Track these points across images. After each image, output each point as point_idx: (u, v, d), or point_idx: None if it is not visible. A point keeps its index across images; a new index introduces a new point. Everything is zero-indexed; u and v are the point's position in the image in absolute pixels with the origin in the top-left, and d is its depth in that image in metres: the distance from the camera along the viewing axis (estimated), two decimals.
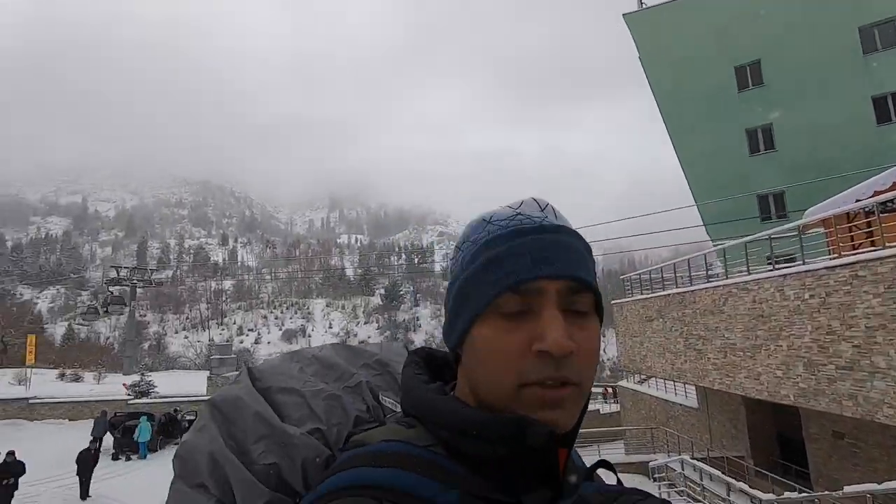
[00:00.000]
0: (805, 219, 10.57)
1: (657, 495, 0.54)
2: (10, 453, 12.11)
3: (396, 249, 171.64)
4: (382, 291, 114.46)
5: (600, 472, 0.59)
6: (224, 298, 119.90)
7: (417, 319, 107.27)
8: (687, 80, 23.87)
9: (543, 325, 0.47)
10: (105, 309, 36.70)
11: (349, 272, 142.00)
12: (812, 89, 21.13)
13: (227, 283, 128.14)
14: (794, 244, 9.93)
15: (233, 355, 31.53)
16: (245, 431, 0.56)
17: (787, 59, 21.77)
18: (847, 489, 6.55)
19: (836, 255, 9.14)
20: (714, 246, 21.69)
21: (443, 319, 0.55)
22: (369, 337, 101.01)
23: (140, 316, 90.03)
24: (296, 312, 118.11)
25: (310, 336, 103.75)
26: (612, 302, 17.83)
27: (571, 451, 0.52)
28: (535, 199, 0.54)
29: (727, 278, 10.26)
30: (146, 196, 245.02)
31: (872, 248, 6.96)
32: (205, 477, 0.55)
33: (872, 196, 9.26)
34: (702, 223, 24.18)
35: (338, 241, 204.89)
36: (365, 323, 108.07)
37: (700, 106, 23.48)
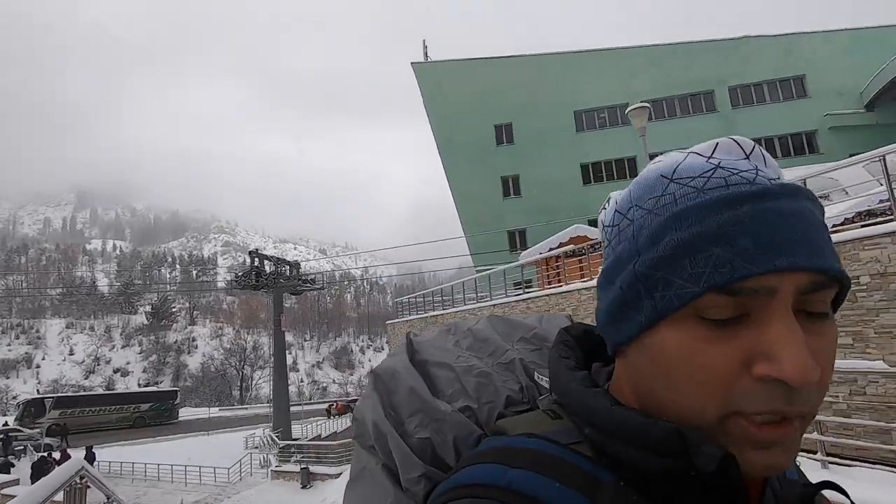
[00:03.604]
0: (521, 260, 14.20)
1: None
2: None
3: (169, 260, 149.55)
4: (149, 309, 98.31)
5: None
6: None
7: (194, 340, 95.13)
8: (459, 130, 28.33)
9: (775, 341, 0.34)
10: None
11: (103, 286, 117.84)
12: (545, 152, 27.54)
13: None
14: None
15: None
16: (401, 403, 0.55)
17: (529, 126, 27.93)
18: None
19: (539, 288, 12.69)
20: (477, 273, 26.17)
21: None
22: (128, 363, 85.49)
23: None
24: (17, 337, 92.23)
25: (38, 367, 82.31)
26: (387, 322, 20.10)
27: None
28: (735, 141, 0.41)
29: (465, 305, 13.19)
30: None
31: (550, 286, 10.30)
32: (373, 441, 0.56)
33: (558, 247, 13.18)
34: (469, 252, 28.83)
35: (87, 247, 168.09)
36: (123, 346, 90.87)
37: (468, 153, 28.16)
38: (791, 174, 14.74)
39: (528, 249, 14.49)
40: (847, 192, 10.38)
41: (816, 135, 25.01)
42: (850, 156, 22.60)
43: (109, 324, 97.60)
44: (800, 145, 25.30)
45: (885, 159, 5.01)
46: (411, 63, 29.86)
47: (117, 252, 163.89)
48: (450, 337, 0.67)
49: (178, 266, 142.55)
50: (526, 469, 0.39)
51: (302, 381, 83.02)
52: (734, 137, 0.41)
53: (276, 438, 24.16)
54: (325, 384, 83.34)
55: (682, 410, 0.37)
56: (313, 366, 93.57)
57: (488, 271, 14.43)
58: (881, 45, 23.87)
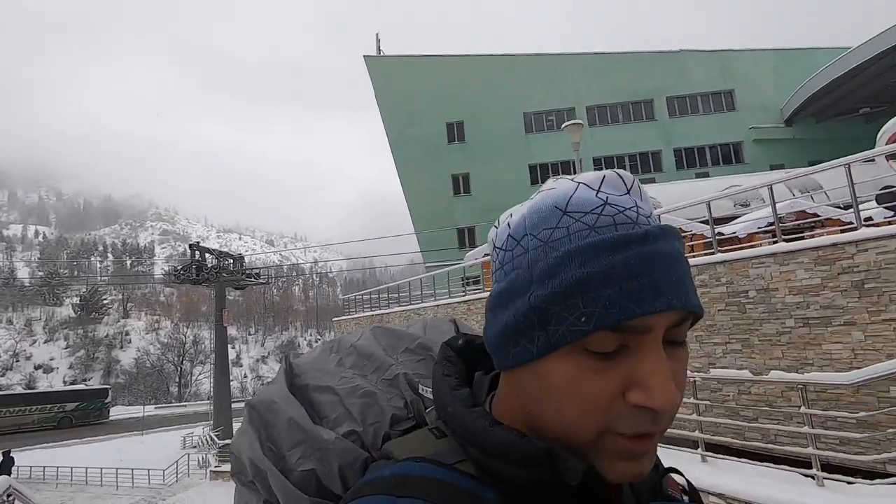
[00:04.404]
0: (466, 259, 14.57)
1: None
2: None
3: (101, 248, 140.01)
4: (76, 300, 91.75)
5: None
6: None
7: (127, 334, 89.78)
8: (411, 126, 28.36)
9: (646, 374, 0.39)
10: None
11: (23, 274, 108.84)
12: (495, 151, 28.11)
13: None
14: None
15: None
16: (281, 436, 0.54)
17: (480, 126, 28.40)
18: None
19: (485, 288, 13.08)
20: (426, 269, 26.39)
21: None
22: (52, 359, 79.65)
23: None
24: None
25: None
26: (333, 319, 20.03)
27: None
28: (619, 176, 0.44)
29: (410, 304, 13.43)
30: None
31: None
32: (251, 477, 0.55)
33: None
34: (420, 249, 29.01)
35: (5, 232, 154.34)
36: (46, 341, 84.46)
37: (420, 149, 28.27)
38: (723, 182, 15.98)
39: (474, 250, 14.91)
40: (764, 200, 11.39)
41: (742, 146, 27.00)
42: (771, 167, 24.60)
43: (30, 316, 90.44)
44: (727, 155, 27.21)
45: (772, 188, 5.70)
46: (364, 56, 29.54)
47: (40, 238, 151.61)
48: (332, 356, 0.66)
49: (110, 255, 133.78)
50: (413, 497, 0.40)
51: (245, 377, 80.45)
52: (618, 172, 0.45)
53: (214, 438, 23.49)
54: (270, 379, 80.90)
55: (564, 429, 0.41)
56: (258, 360, 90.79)
57: (434, 272, 14.69)
58: (802, 64, 26.04)
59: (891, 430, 4.03)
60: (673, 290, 0.39)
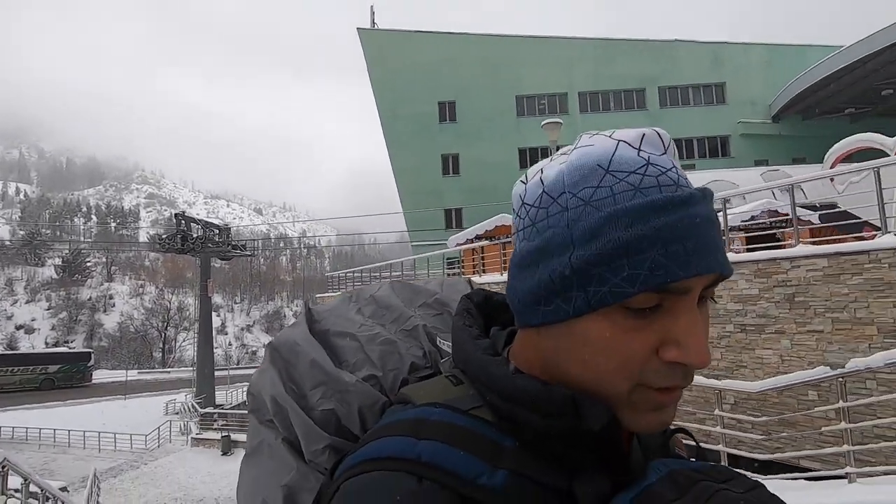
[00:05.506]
0: (449, 242, 14.81)
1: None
2: None
3: (84, 209, 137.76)
4: (58, 261, 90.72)
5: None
6: None
7: (111, 298, 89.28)
8: (403, 103, 28.11)
9: (683, 332, 0.40)
10: None
11: (3, 233, 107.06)
12: (486, 133, 28.07)
13: None
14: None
15: None
16: (303, 376, 0.55)
17: (472, 106, 28.25)
18: None
19: (462, 273, 13.40)
20: (413, 249, 26.61)
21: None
22: (34, 320, 79.19)
23: None
24: None
25: None
26: (317, 295, 20.33)
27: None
28: (657, 133, 0.44)
29: None
30: None
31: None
32: (271, 415, 0.56)
33: (484, 233, 13.90)
34: (407, 228, 29.17)
35: None
36: (28, 302, 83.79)
37: (411, 127, 28.13)
38: (708, 176, 16.24)
39: (457, 234, 15.18)
40: (745, 199, 11.78)
41: (729, 140, 27.32)
42: (756, 162, 24.92)
43: (11, 276, 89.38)
44: (714, 148, 27.55)
45: (725, 203, 6.04)
46: (357, 29, 29.05)
47: (21, 196, 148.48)
48: (351, 305, 0.67)
49: (94, 217, 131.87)
50: (433, 440, 0.41)
51: (230, 345, 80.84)
52: (656, 130, 0.44)
53: (196, 406, 23.91)
54: (255, 348, 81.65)
55: (596, 384, 0.42)
56: (243, 329, 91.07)
57: (416, 256, 14.91)
58: (794, 61, 26.20)
59: (814, 429, 4.49)
60: (713, 254, 0.40)
